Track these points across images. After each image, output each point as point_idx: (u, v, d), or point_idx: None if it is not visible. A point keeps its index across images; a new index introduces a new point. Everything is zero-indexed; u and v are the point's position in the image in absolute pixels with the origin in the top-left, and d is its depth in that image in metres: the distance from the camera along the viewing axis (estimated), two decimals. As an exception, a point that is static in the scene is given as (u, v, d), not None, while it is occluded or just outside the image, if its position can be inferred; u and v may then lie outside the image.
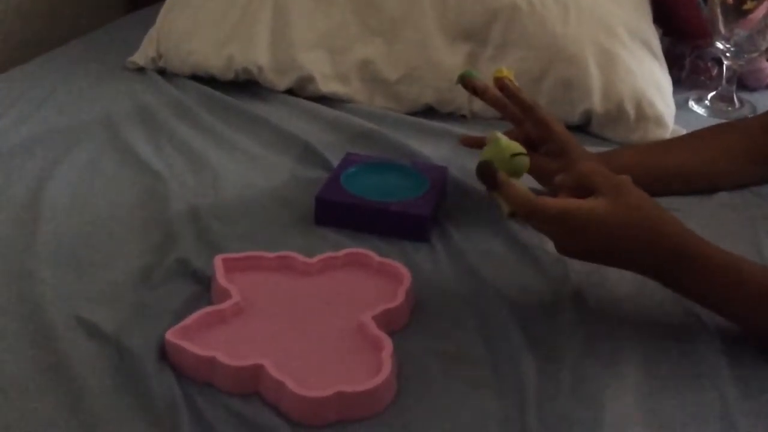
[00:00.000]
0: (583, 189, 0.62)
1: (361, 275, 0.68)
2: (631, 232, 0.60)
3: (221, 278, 0.64)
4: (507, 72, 0.75)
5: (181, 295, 0.65)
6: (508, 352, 0.61)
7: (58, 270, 0.68)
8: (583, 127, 0.98)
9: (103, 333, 0.60)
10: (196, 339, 0.59)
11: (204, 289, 0.66)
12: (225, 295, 0.63)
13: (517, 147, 0.64)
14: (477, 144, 0.79)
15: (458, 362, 0.60)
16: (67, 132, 0.92)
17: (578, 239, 0.61)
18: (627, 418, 0.55)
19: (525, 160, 0.64)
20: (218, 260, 0.66)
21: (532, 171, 0.68)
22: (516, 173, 0.64)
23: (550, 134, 0.77)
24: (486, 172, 0.61)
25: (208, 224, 0.75)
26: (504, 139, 0.65)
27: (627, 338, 0.63)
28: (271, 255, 0.68)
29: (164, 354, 0.58)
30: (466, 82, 0.77)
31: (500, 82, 0.75)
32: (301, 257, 0.68)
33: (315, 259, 0.68)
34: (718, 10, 1.01)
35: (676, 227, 0.61)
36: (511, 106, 0.77)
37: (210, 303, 0.64)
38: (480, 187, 0.80)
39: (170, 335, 0.58)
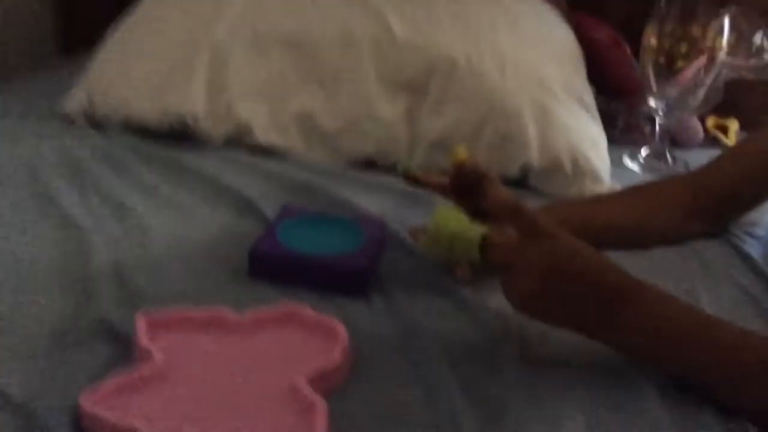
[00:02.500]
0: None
1: (295, 332, 0.65)
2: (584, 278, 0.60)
3: (143, 338, 0.60)
4: (462, 152, 0.74)
5: (100, 357, 0.60)
6: (450, 411, 0.58)
7: (-37, 330, 0.62)
8: (521, 181, 0.98)
9: (11, 400, 0.55)
10: (114, 406, 0.54)
11: (125, 350, 0.62)
12: (147, 356, 0.59)
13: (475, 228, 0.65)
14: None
15: (398, 424, 0.57)
16: (-14, 183, 0.87)
17: (544, 263, 0.59)
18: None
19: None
20: (140, 318, 0.62)
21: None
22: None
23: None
24: (470, 179, 0.60)
25: (133, 280, 0.70)
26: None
27: (571, 394, 0.61)
28: (198, 312, 0.64)
29: (78, 422, 0.53)
30: (407, 177, 0.75)
31: (460, 168, 0.70)
32: (231, 313, 0.64)
33: (246, 316, 0.64)
34: (650, 69, 1.04)
35: (619, 275, 0.61)
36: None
37: (131, 365, 0.59)
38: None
39: (85, 402, 0.54)
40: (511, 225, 0.60)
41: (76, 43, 1.31)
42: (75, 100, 1.05)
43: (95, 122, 1.03)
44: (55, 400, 0.55)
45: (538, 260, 0.59)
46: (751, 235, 0.88)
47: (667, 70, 1.03)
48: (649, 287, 0.62)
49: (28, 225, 0.80)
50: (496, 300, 0.71)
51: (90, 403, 0.53)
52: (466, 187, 0.61)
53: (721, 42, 1.02)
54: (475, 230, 0.69)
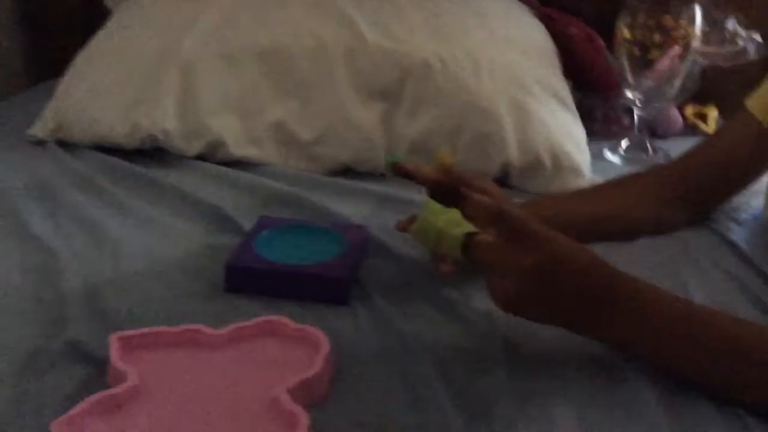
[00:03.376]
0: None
1: (274, 345, 0.63)
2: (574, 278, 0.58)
3: (116, 359, 0.58)
4: (446, 155, 0.73)
5: (72, 381, 0.58)
6: (437, 417, 0.56)
7: (-71, 360, 0.60)
8: (502, 179, 0.97)
9: (-21, 427, 0.53)
10: (87, 429, 0.52)
11: (99, 372, 0.59)
12: (121, 377, 0.57)
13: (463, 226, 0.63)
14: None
15: (384, 430, 0.55)
16: (-47, 208, 0.84)
17: (526, 266, 0.57)
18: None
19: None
20: (113, 339, 0.60)
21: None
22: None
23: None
24: (446, 189, 0.58)
25: (105, 300, 0.68)
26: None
27: (562, 392, 0.59)
28: (174, 329, 0.62)
29: (50, 449, 0.51)
30: (396, 169, 0.74)
31: (444, 169, 0.70)
32: (208, 329, 0.62)
33: (223, 331, 0.62)
34: (625, 61, 1.03)
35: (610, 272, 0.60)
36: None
37: (106, 388, 0.57)
38: (401, 245, 0.78)
39: (56, 427, 0.51)
40: (494, 230, 0.59)
41: (45, 75, 1.29)
42: (44, 123, 1.03)
43: (66, 144, 1.01)
44: (27, 426, 0.53)
45: (521, 263, 0.57)
46: (735, 220, 0.87)
47: (642, 61, 1.02)
48: (639, 282, 0.60)
49: (-4, 248, 0.77)
50: (481, 301, 0.70)
51: (61, 427, 0.51)
52: (444, 196, 0.59)
53: (693, 30, 1.02)
54: (461, 227, 0.67)
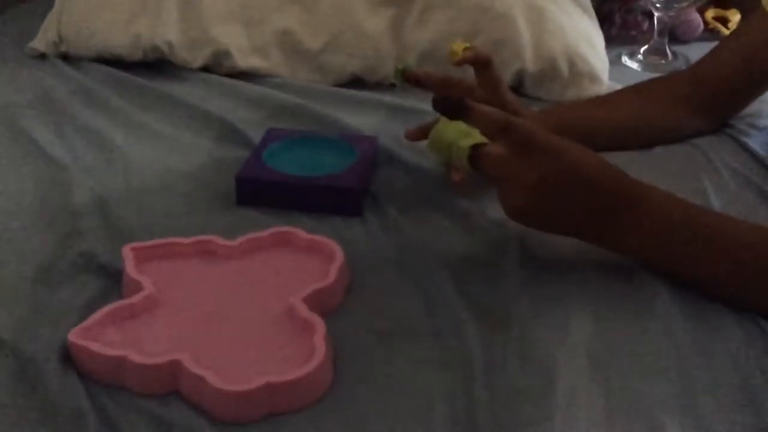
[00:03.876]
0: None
1: (288, 255, 0.62)
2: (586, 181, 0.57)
3: (131, 269, 0.58)
4: (458, 46, 0.71)
5: (87, 291, 0.58)
6: (452, 323, 0.56)
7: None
8: (516, 87, 0.94)
9: (-1, 338, 0.53)
10: (104, 338, 0.52)
11: (114, 283, 0.60)
12: (136, 287, 0.57)
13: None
14: (423, 135, 0.75)
15: (399, 339, 0.56)
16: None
17: (533, 178, 0.56)
18: (579, 385, 0.51)
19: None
20: (127, 250, 0.60)
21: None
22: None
23: (498, 96, 0.71)
24: (451, 101, 0.56)
25: (117, 213, 0.68)
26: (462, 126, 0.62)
27: (575, 299, 0.59)
28: (187, 240, 0.62)
29: (68, 357, 0.52)
30: (406, 76, 0.71)
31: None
32: (221, 240, 0.62)
33: (237, 242, 0.62)
34: (645, -39, 0.98)
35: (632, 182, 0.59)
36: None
37: (121, 298, 0.57)
38: (413, 155, 0.77)
39: (73, 336, 0.52)
40: (502, 142, 0.57)
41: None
42: (45, 37, 1.00)
43: (68, 58, 0.99)
44: (43, 336, 0.53)
45: (527, 177, 0.56)
46: (754, 126, 0.85)
47: (663, -39, 0.97)
48: (654, 189, 0.59)
49: (4, 163, 0.77)
50: (494, 210, 0.69)
51: (78, 336, 0.52)
52: (449, 107, 0.57)
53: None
54: (470, 138, 0.66)
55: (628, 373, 0.52)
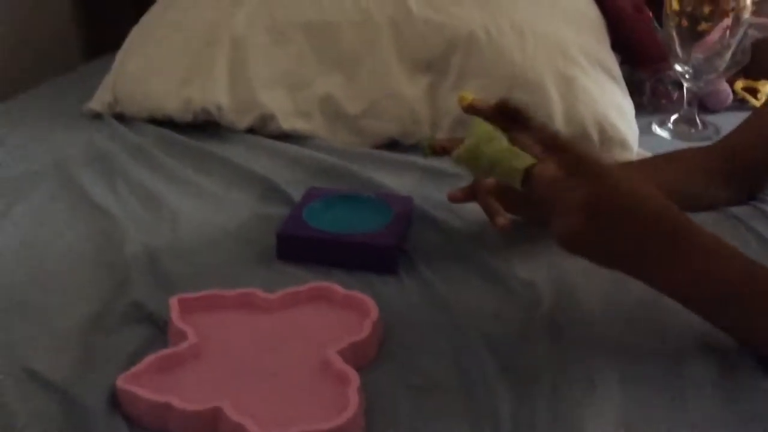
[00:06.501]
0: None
1: (325, 309, 0.65)
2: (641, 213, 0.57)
3: (177, 319, 0.61)
4: (466, 94, 0.73)
5: (135, 340, 0.61)
6: (482, 380, 0.58)
7: (4, 318, 0.64)
8: (548, 152, 0.97)
9: (50, 383, 0.57)
10: (150, 384, 0.55)
11: (160, 332, 0.63)
12: (181, 336, 0.60)
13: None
14: (466, 197, 0.77)
15: (430, 394, 0.57)
16: (19, 178, 0.89)
17: (584, 200, 0.55)
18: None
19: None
20: (174, 301, 0.63)
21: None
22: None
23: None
24: (515, 105, 0.58)
25: (165, 265, 0.72)
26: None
27: (603, 360, 0.60)
28: (230, 293, 0.65)
29: (116, 403, 0.55)
30: (434, 148, 0.74)
31: (471, 106, 0.68)
32: (262, 293, 0.65)
33: (277, 295, 0.65)
34: (674, 33, 1.02)
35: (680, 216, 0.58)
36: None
37: (166, 347, 0.60)
38: (447, 215, 0.79)
39: (121, 382, 0.55)
40: (556, 159, 0.57)
41: (100, 50, 1.33)
42: (101, 98, 1.07)
43: (122, 117, 1.05)
44: (93, 382, 0.56)
45: (578, 194, 0.56)
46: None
47: (691, 33, 1.00)
48: (704, 229, 0.59)
49: (60, 215, 0.81)
50: (524, 270, 0.71)
51: (125, 381, 0.54)
52: (509, 115, 0.59)
53: (745, 1, 1.00)
54: (520, 158, 0.63)
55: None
